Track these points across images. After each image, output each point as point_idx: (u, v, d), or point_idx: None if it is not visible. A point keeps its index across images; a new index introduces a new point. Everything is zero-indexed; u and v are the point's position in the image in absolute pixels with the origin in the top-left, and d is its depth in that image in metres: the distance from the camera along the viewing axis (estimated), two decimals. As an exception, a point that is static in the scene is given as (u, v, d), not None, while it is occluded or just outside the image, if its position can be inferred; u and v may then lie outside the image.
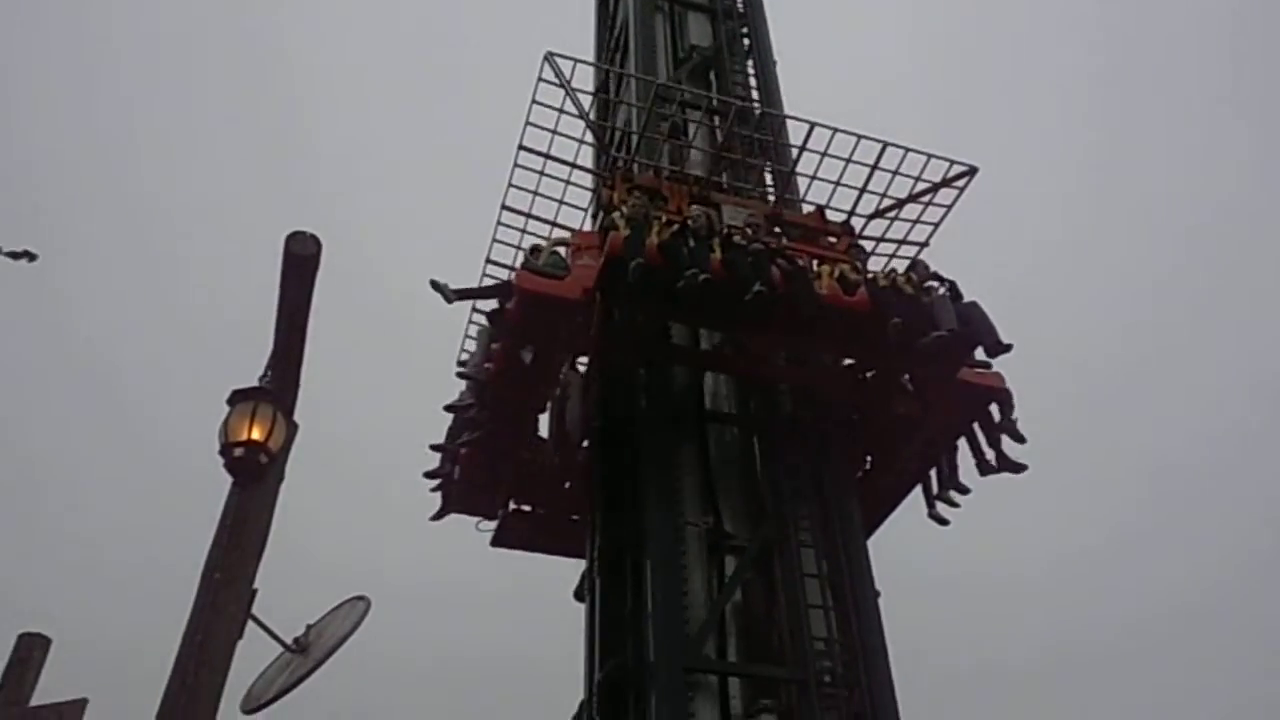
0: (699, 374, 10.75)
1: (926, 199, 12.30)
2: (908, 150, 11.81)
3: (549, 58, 10.99)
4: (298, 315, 6.75)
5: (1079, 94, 52.08)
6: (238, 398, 6.50)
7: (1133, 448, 40.82)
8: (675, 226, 10.12)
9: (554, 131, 11.61)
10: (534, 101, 11.36)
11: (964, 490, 11.02)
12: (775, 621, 9.50)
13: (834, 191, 12.13)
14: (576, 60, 11.22)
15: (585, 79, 12.34)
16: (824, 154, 11.72)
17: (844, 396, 10.71)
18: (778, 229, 11.53)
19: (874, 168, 11.79)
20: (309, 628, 6.95)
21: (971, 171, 12.10)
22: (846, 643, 9.10)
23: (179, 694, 5.12)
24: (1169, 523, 39.64)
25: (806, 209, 12.31)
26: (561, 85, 11.19)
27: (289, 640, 6.83)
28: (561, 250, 10.54)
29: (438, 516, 11.89)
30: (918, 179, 12.08)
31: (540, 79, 11.17)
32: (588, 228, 12.53)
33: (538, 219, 12.35)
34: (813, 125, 11.49)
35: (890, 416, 10.79)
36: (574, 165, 11.91)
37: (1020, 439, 10.25)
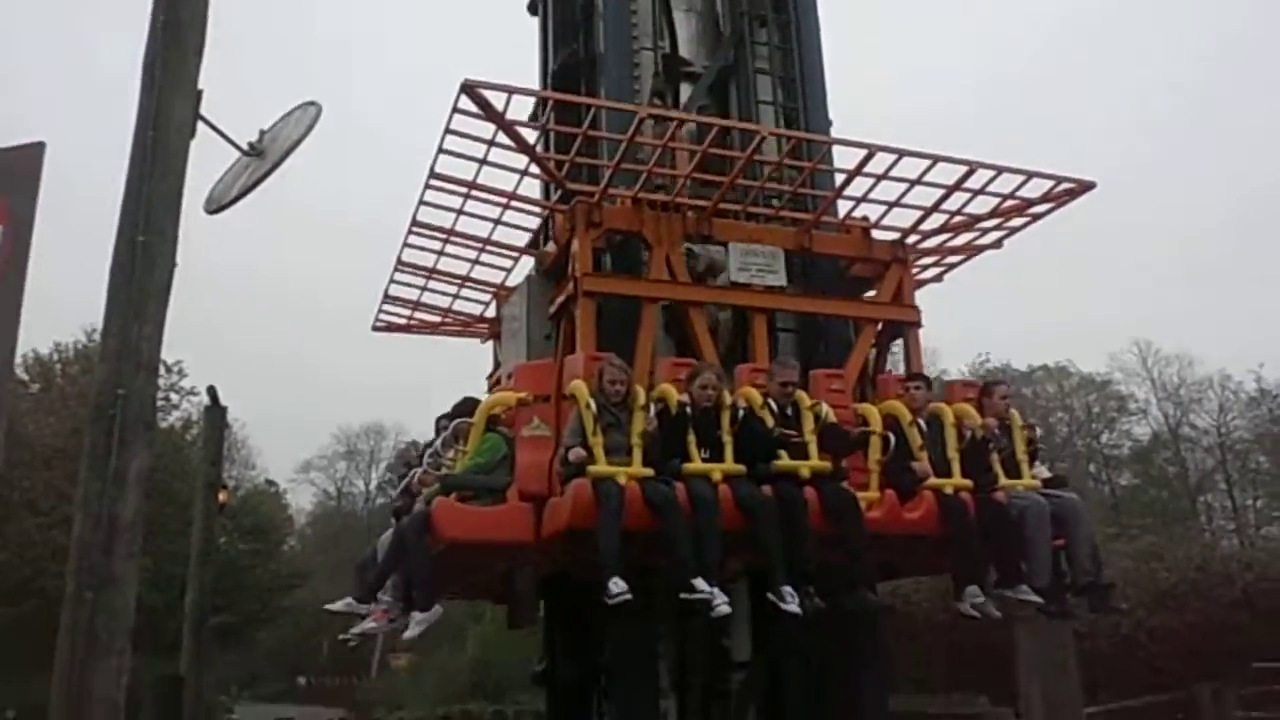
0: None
1: (1015, 222, 8.77)
2: (1000, 170, 8.11)
3: (467, 89, 6.79)
4: None
5: None
6: None
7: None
8: (659, 408, 6.84)
9: (483, 161, 7.68)
10: (448, 130, 7.31)
11: None
12: (728, 149, 8.64)
13: (887, 212, 8.56)
14: (511, 90, 6.94)
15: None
16: (881, 178, 8.01)
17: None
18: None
19: (952, 189, 8.17)
20: (263, 132, 6.82)
21: (1087, 188, 8.46)
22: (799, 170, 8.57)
23: (134, 198, 5.01)
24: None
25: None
26: (490, 118, 7.09)
27: (244, 144, 6.71)
28: (501, 429, 7.24)
29: None
30: (1006, 197, 8.47)
31: (456, 109, 7.05)
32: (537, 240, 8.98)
33: (461, 243, 8.74)
34: (870, 150, 7.66)
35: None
36: (511, 199, 8.07)
37: None
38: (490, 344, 10.16)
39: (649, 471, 6.53)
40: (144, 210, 4.79)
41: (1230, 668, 16.56)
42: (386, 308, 10.14)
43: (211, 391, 11.24)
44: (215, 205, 6.73)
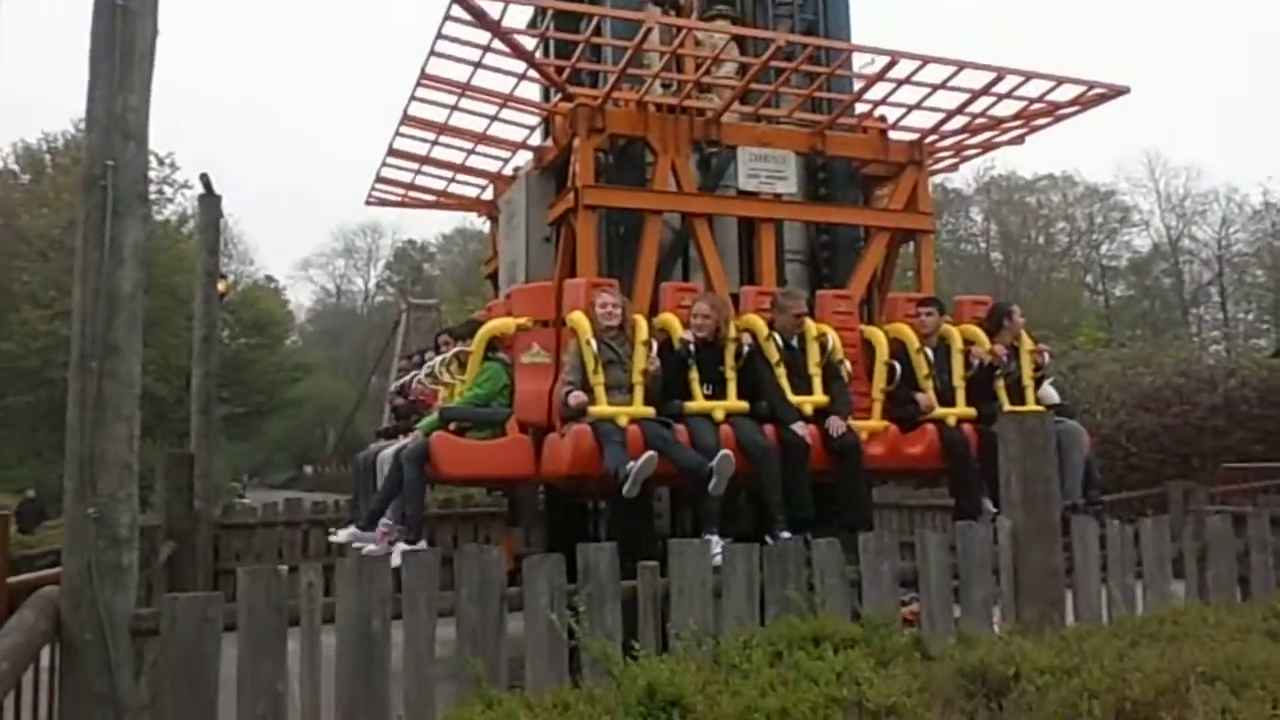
0: None
1: (1040, 121, 8.29)
2: (1029, 76, 7.61)
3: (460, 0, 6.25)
4: None
5: None
6: None
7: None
8: (662, 339, 6.71)
9: (478, 65, 7.19)
10: (440, 36, 6.78)
11: None
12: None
13: (906, 114, 8.10)
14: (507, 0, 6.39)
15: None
16: (902, 82, 7.53)
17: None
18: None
19: (977, 94, 7.71)
20: None
21: (1120, 92, 7.96)
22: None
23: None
24: None
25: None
26: (485, 27, 6.57)
27: None
28: (500, 355, 7.06)
29: None
30: (1033, 101, 7.98)
31: (448, 17, 6.52)
32: (536, 140, 8.55)
33: (452, 144, 8.32)
34: (893, 57, 7.17)
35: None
36: (507, 100, 7.59)
37: None
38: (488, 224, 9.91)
39: (649, 411, 6.44)
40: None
41: (1205, 468, 16.97)
42: (379, 187, 9.76)
43: (204, 179, 10.82)
44: None
